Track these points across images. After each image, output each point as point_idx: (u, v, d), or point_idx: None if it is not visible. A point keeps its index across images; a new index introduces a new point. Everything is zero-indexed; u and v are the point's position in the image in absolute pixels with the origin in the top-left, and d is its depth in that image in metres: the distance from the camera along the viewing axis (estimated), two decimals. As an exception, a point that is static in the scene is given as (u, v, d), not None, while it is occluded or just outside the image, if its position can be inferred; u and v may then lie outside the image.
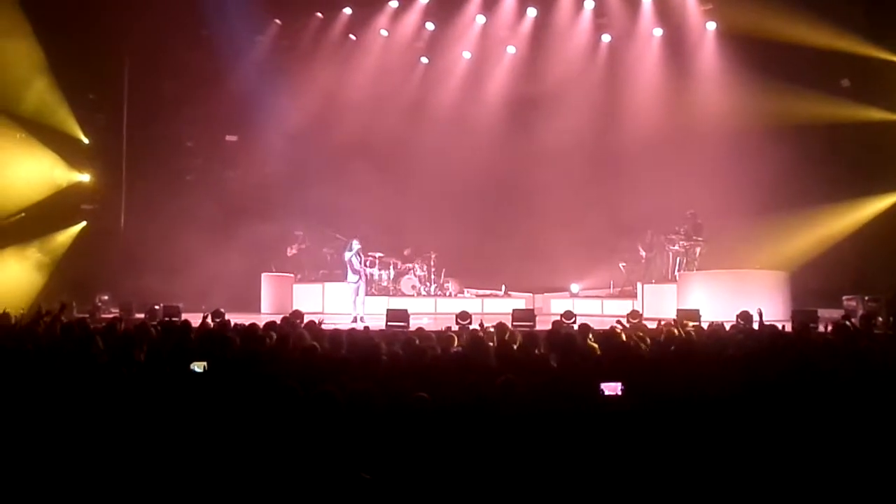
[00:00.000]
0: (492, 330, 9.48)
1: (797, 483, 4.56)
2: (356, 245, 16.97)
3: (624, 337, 8.67)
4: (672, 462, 4.68)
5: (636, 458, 4.72)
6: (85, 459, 4.88)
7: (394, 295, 19.77)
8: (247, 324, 9.86)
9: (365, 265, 17.62)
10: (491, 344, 8.36)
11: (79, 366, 6.97)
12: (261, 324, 9.77)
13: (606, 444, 4.89)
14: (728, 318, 11.29)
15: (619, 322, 10.93)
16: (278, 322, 10.42)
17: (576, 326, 10.54)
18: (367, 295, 17.41)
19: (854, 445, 4.85)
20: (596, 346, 8.21)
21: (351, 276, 17.02)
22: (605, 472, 4.62)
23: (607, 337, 8.50)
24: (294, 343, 8.35)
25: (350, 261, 16.95)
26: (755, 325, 10.47)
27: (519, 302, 18.79)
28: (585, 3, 20.19)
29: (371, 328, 12.15)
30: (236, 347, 7.92)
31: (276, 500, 4.50)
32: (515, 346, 8.23)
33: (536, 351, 7.98)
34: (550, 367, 7.23)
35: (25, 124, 18.18)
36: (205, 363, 6.87)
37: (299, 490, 4.46)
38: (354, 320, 16.20)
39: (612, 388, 5.88)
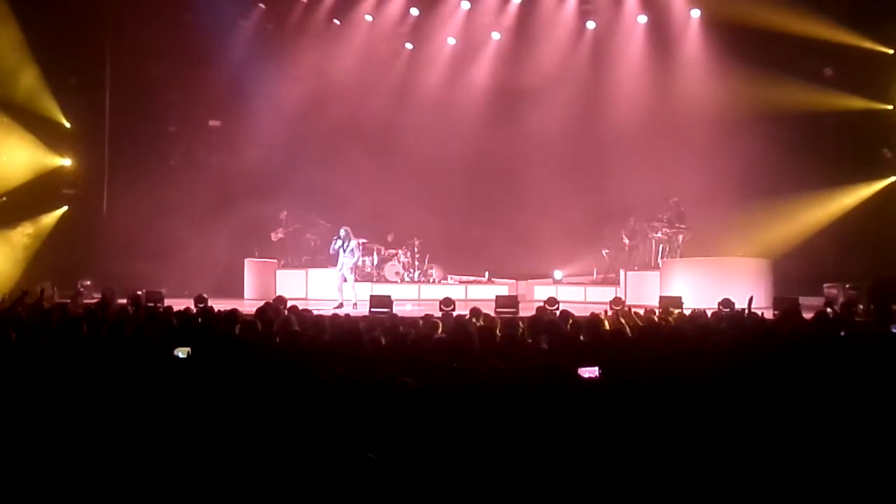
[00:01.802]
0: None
1: (777, 469, 4.60)
2: (343, 233, 16.86)
3: (607, 325, 8.70)
4: (655, 448, 4.71)
5: (621, 443, 4.74)
6: (68, 446, 4.86)
7: (377, 281, 19.75)
8: (229, 309, 9.81)
9: (354, 250, 17.31)
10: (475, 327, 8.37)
11: (62, 351, 6.93)
12: (243, 310, 9.74)
13: (590, 429, 4.91)
14: (710, 305, 11.34)
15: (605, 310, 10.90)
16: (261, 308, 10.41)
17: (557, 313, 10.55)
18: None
19: (835, 431, 4.89)
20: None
21: (338, 264, 16.91)
22: (589, 456, 4.64)
23: (590, 323, 8.52)
24: (278, 328, 8.34)
25: (337, 250, 16.82)
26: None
27: (502, 288, 18.74)
28: (570, -11, 20.18)
29: (351, 315, 12.14)
30: (219, 333, 7.90)
31: (260, 485, 4.50)
32: (498, 332, 8.23)
33: (518, 333, 7.99)
34: (534, 352, 7.25)
35: (7, 108, 18.03)
36: (188, 349, 6.85)
37: (283, 475, 4.47)
38: (339, 306, 16.17)
39: (589, 372, 5.92)
